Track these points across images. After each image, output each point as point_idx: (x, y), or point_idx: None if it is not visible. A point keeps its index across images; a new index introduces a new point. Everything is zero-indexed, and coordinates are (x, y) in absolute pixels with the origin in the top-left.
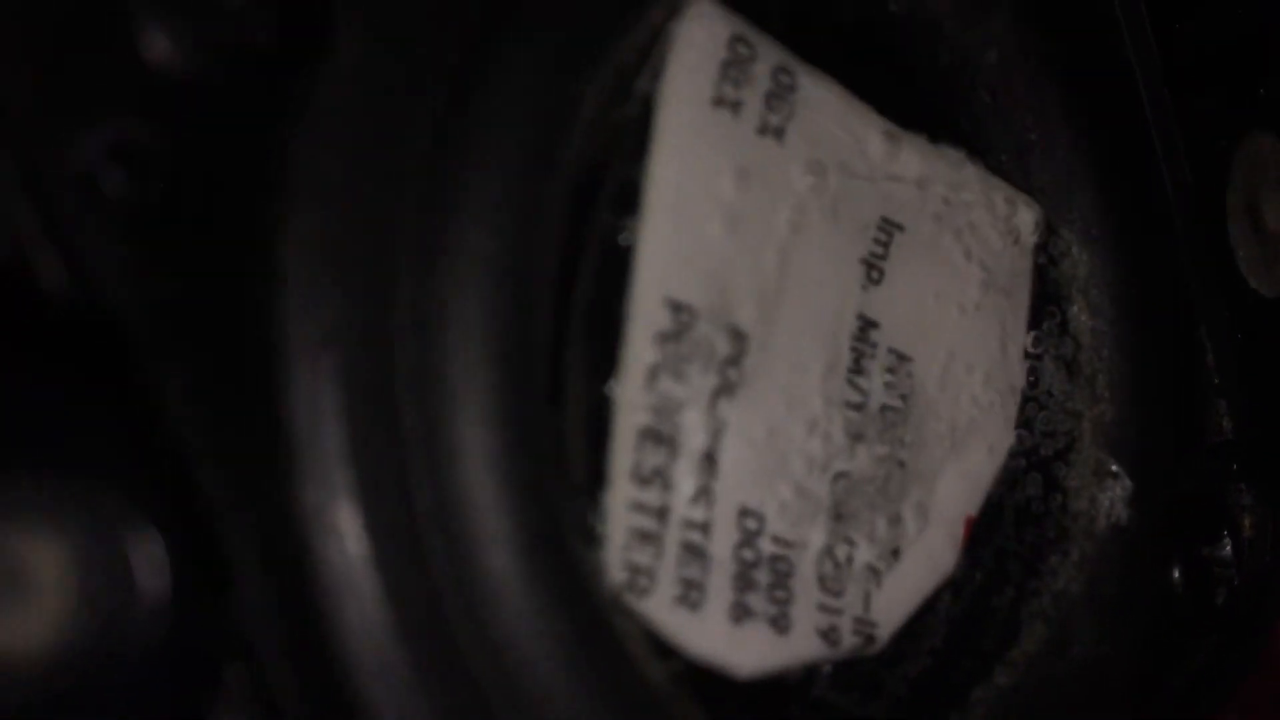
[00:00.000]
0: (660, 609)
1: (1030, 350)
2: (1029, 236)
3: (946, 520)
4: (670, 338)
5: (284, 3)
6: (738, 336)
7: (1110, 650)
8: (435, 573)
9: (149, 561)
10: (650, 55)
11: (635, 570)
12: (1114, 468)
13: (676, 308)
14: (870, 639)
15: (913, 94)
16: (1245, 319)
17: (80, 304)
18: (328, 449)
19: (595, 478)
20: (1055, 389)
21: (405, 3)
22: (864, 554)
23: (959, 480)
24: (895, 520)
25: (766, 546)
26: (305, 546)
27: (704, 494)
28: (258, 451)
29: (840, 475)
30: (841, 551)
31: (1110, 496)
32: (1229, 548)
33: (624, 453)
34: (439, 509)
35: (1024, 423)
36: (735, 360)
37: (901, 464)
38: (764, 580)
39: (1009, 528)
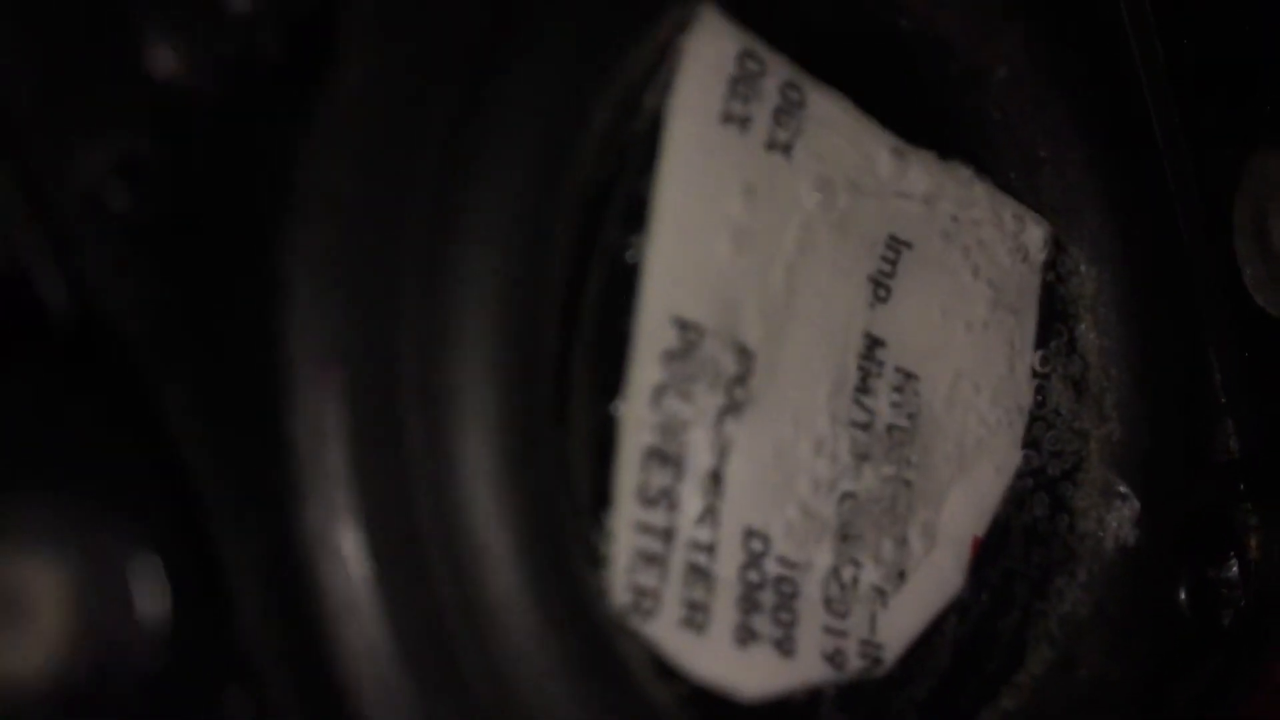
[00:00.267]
0: (665, 631)
1: (1038, 369)
2: (1037, 254)
3: (953, 541)
4: (677, 356)
5: (290, 15)
6: (744, 355)
7: (1116, 673)
8: (439, 594)
9: (149, 586)
10: (659, 70)
11: (640, 592)
12: (1122, 488)
13: (683, 326)
14: (876, 661)
15: (922, 110)
16: (1251, 337)
17: (83, 320)
18: (331, 469)
19: (600, 498)
20: (1063, 408)
21: (413, 16)
22: (870, 575)
23: (966, 501)
24: (901, 541)
25: (772, 568)
26: (307, 568)
27: (710, 515)
28: (260, 471)
29: (846, 496)
30: (847, 573)
31: (1118, 517)
32: (1235, 568)
33: (629, 472)
34: (443, 530)
35: (1031, 442)
36: (742, 379)
37: (908, 484)
38: (769, 602)
39: (1016, 549)
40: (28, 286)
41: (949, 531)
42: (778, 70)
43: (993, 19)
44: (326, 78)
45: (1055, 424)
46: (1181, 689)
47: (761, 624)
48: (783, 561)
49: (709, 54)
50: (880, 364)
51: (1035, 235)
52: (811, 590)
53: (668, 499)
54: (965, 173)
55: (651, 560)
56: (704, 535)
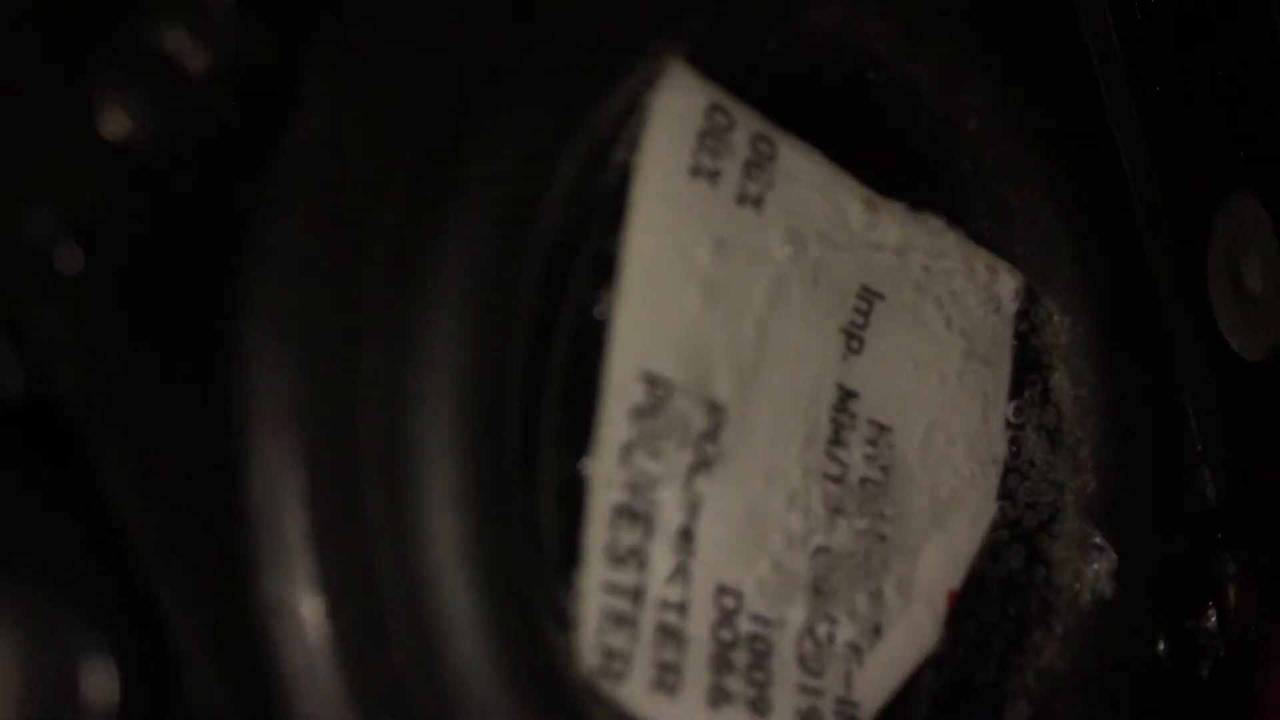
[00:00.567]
0: (636, 694)
1: (1012, 420)
2: (1010, 304)
3: (929, 595)
4: (646, 412)
5: (248, 73)
6: (715, 410)
7: None
8: (401, 662)
9: (97, 673)
10: (627, 124)
11: (610, 654)
12: (1098, 540)
13: (652, 381)
14: None
15: (892, 161)
16: (1227, 383)
17: (27, 389)
18: (288, 536)
19: (568, 558)
20: (1038, 459)
21: (375, 72)
22: (845, 631)
23: (941, 554)
24: (877, 596)
25: (745, 625)
26: (264, 639)
27: (681, 573)
28: (214, 540)
29: (820, 550)
30: (822, 629)
31: (1095, 569)
32: (1214, 619)
33: (598, 531)
34: (405, 596)
35: (1006, 494)
36: (712, 435)
37: (882, 538)
38: (742, 661)
39: (992, 602)
40: None
41: (925, 585)
42: (747, 123)
43: (962, 70)
44: (285, 135)
45: (1030, 475)
46: None
47: (735, 684)
48: (756, 619)
49: (677, 108)
50: (853, 416)
51: (1008, 285)
52: (785, 648)
53: (637, 558)
54: (937, 223)
55: (621, 621)
56: (675, 594)
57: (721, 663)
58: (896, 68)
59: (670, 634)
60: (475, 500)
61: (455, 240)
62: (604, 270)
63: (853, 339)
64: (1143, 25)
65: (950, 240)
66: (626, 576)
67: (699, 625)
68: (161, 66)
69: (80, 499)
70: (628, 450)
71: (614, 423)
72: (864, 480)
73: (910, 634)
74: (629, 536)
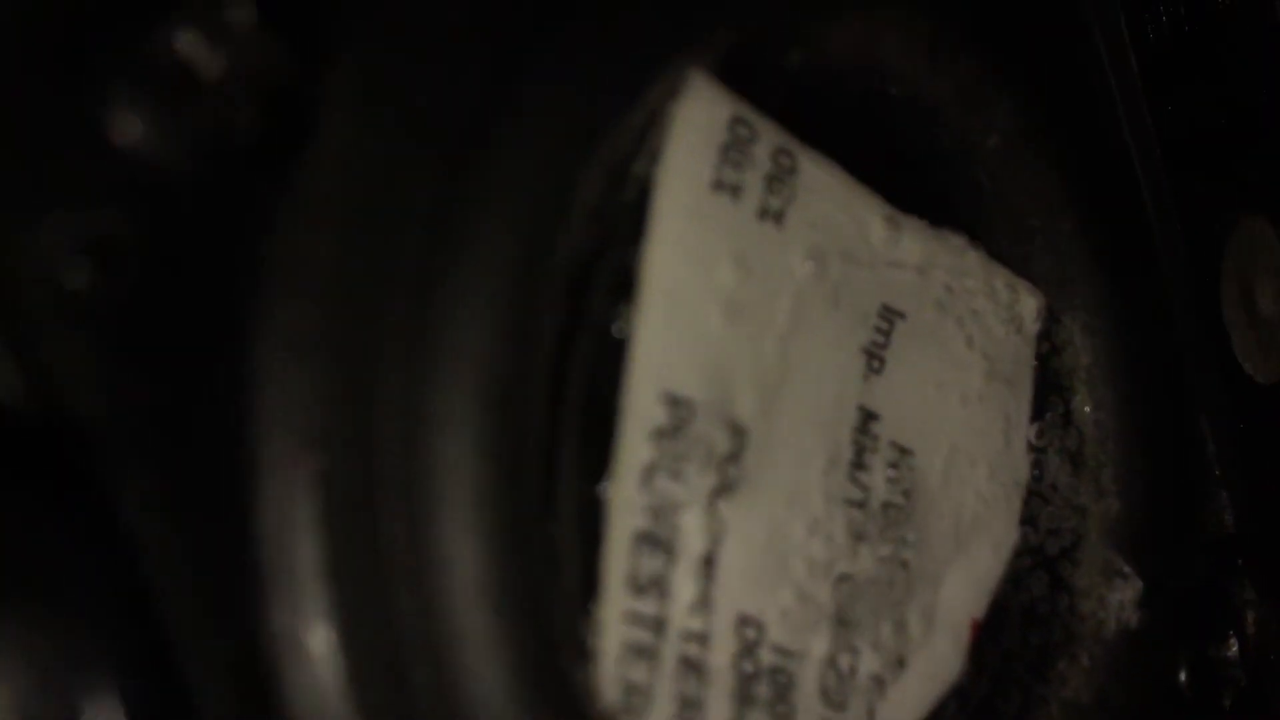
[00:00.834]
0: None
1: (1034, 442)
2: (1031, 324)
3: (952, 624)
4: (667, 434)
5: (267, 83)
6: (738, 432)
7: None
8: (417, 699)
9: (102, 711)
10: (648, 137)
11: (630, 689)
12: (1124, 568)
13: (674, 402)
14: None
15: (912, 178)
16: (1242, 407)
17: (37, 412)
18: (302, 566)
19: (587, 587)
20: (1060, 483)
21: (398, 83)
22: (868, 663)
23: (964, 581)
24: (900, 626)
25: (767, 657)
26: (276, 673)
27: (703, 602)
28: (225, 568)
29: (843, 578)
30: (844, 661)
31: (1120, 597)
32: (1235, 648)
33: (619, 559)
34: (422, 629)
35: (1028, 519)
36: (735, 457)
37: (905, 565)
38: (764, 695)
39: (1015, 631)
40: None
41: (948, 614)
42: (769, 136)
43: (984, 88)
44: (305, 148)
45: (1052, 499)
46: None
47: (757, 718)
48: (778, 650)
49: (700, 120)
50: (875, 438)
51: (1029, 305)
52: (808, 681)
53: (659, 586)
54: (958, 241)
55: (642, 653)
56: (697, 624)
57: (743, 697)
58: (918, 85)
59: (692, 666)
60: (495, 527)
61: (475, 258)
62: (623, 287)
63: (874, 359)
64: (1155, 46)
65: (972, 259)
66: (648, 606)
67: (720, 657)
68: (179, 76)
69: (87, 524)
70: (649, 473)
71: (635, 445)
72: (886, 505)
73: (933, 665)
74: (650, 564)
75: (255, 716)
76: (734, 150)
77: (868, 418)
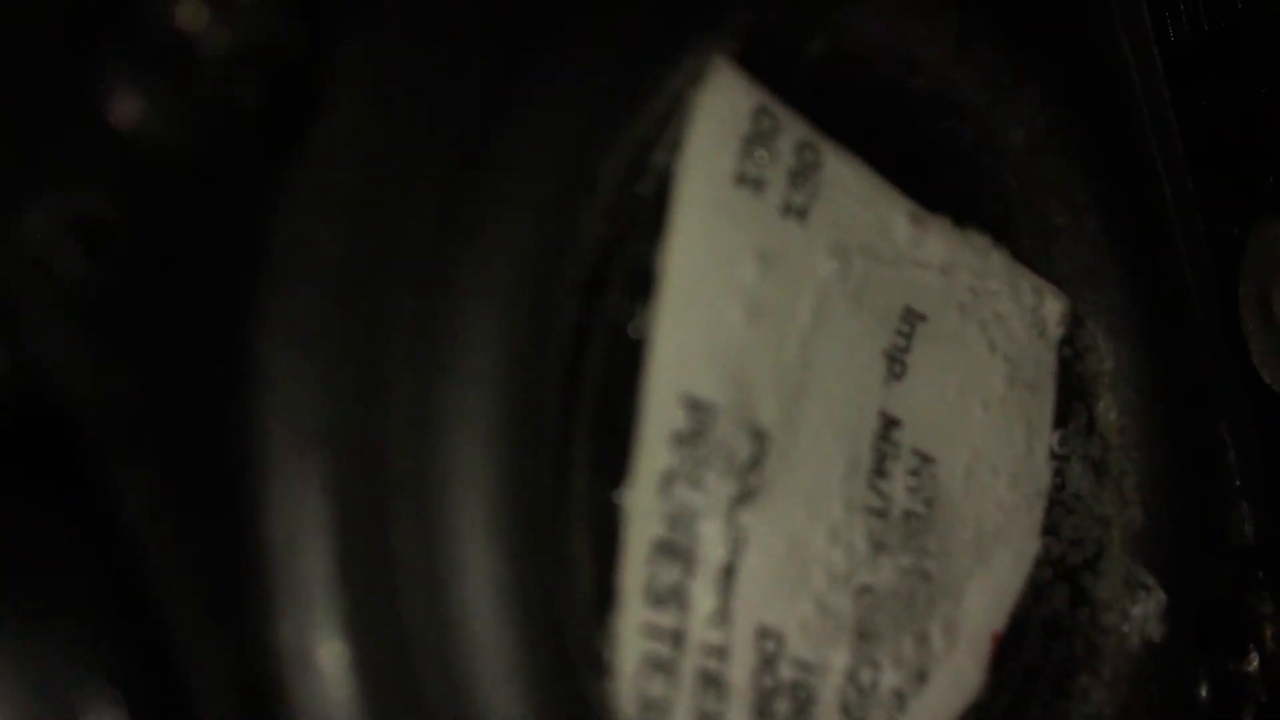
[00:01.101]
0: None
1: (1056, 450)
2: (1055, 329)
3: (973, 637)
4: (687, 439)
5: (272, 60)
6: (759, 437)
7: None
8: (428, 713)
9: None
10: (668, 126)
11: (648, 704)
12: (1147, 580)
13: (694, 405)
14: None
15: (935, 174)
16: (1261, 415)
17: (27, 404)
18: (309, 573)
19: (604, 597)
20: (1083, 492)
21: (409, 61)
22: (889, 677)
23: (985, 592)
24: (922, 638)
25: (786, 671)
26: (282, 684)
27: (722, 614)
28: (230, 576)
29: (864, 589)
30: (866, 675)
31: (1143, 610)
32: (1256, 662)
33: (636, 569)
34: (435, 641)
35: (1049, 528)
36: (756, 464)
37: (927, 576)
38: (784, 710)
39: (1035, 644)
40: None
41: (969, 627)
42: (793, 129)
43: (1009, 81)
44: (311, 129)
45: (1075, 509)
46: None
47: None
48: (798, 664)
49: (723, 109)
50: (896, 445)
51: (1053, 309)
52: (828, 695)
53: (678, 598)
54: (982, 241)
55: (660, 667)
56: (715, 637)
57: (763, 712)
58: (942, 76)
59: (711, 681)
60: (510, 533)
61: (489, 249)
62: (642, 284)
63: (895, 363)
64: (1175, 47)
65: (996, 260)
66: (666, 618)
67: (740, 671)
68: (179, 47)
69: (86, 525)
70: (668, 480)
71: (653, 450)
72: (907, 514)
73: (954, 679)
74: (669, 574)
75: None
76: (757, 143)
77: (889, 424)
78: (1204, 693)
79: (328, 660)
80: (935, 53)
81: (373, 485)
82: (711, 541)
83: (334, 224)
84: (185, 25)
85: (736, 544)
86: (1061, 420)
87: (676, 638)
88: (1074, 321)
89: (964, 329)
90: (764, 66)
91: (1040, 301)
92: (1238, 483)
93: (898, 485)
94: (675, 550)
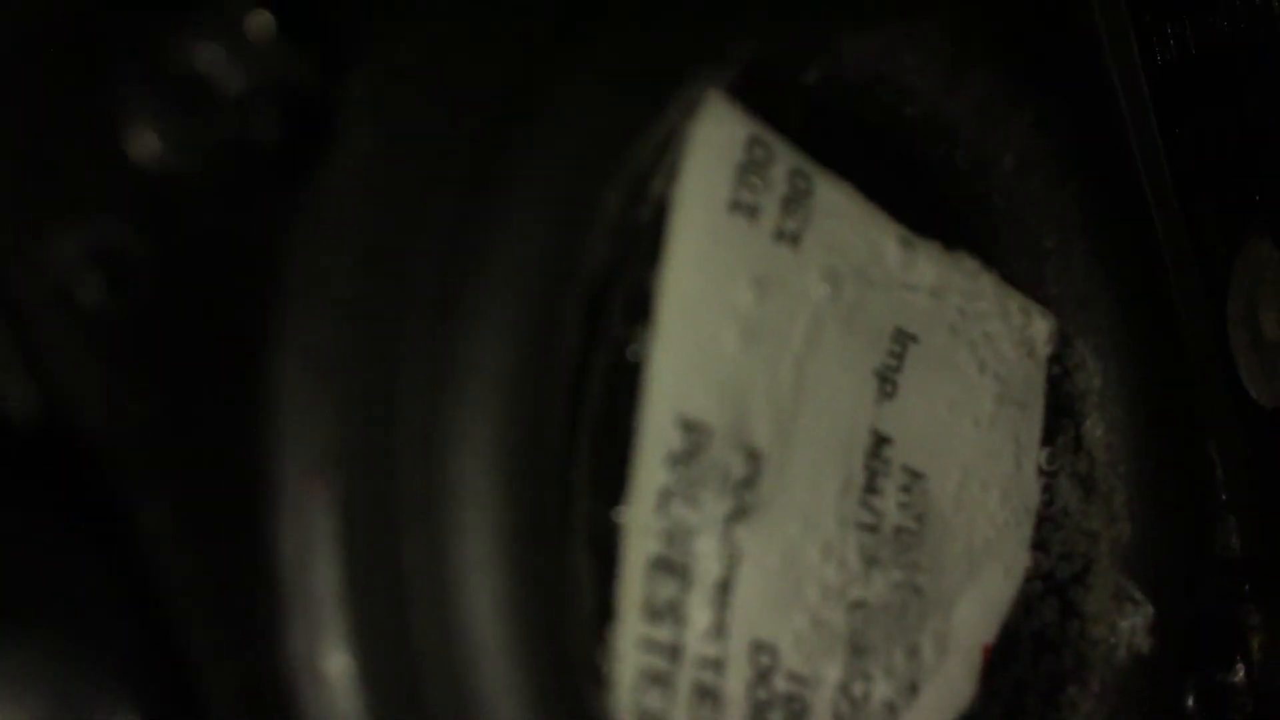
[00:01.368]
0: None
1: (1045, 466)
2: (1043, 348)
3: (964, 650)
4: (683, 459)
5: (287, 95)
6: (753, 457)
7: None
8: None
9: None
10: (666, 156)
11: (646, 716)
12: (1135, 594)
13: (689, 426)
14: None
15: (927, 198)
16: (1248, 431)
17: (48, 429)
18: (319, 588)
19: (602, 612)
20: (1071, 507)
21: (419, 96)
22: (881, 689)
23: (976, 606)
24: (913, 651)
25: (780, 684)
26: (293, 697)
27: (718, 628)
28: (243, 591)
29: (857, 604)
30: (858, 687)
31: (1130, 623)
32: (1242, 673)
33: (634, 585)
34: (440, 653)
35: (1039, 544)
36: (750, 482)
37: (918, 590)
38: None
39: (1026, 657)
40: None
41: (960, 640)
42: (786, 158)
43: (999, 108)
44: (324, 161)
45: (1064, 524)
46: None
47: None
48: (792, 677)
49: (717, 139)
50: (888, 463)
51: (1041, 328)
52: (821, 708)
53: (674, 613)
54: (972, 264)
55: (657, 680)
56: (711, 650)
57: None
58: (934, 104)
59: (706, 694)
60: (513, 550)
61: (495, 274)
62: (639, 308)
63: (886, 382)
64: (1162, 70)
65: (985, 282)
66: (663, 632)
67: (735, 684)
68: (196, 87)
69: (107, 547)
70: (665, 498)
71: (650, 470)
72: (899, 529)
73: (946, 691)
74: (666, 590)
75: None
76: (751, 171)
77: (880, 441)
78: (1191, 703)
79: (336, 672)
80: (927, 81)
81: (381, 504)
82: (707, 558)
83: (345, 253)
84: (204, 64)
85: (732, 560)
86: (1050, 437)
87: (673, 651)
88: (1062, 340)
89: (954, 349)
90: (759, 95)
91: (1029, 321)
92: (1224, 497)
93: (889, 502)
94: (672, 566)
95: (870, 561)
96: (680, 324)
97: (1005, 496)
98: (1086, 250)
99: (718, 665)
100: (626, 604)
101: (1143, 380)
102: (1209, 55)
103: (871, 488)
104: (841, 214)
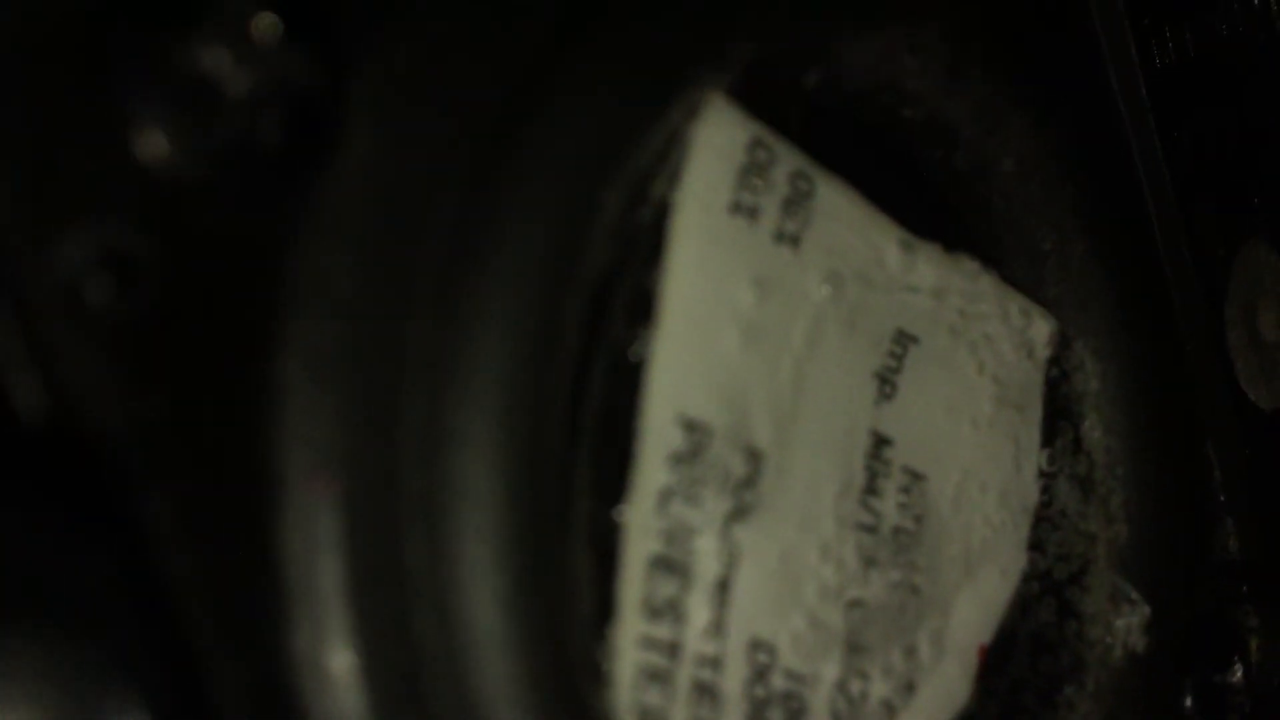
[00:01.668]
0: None
1: (1044, 468)
2: (1042, 350)
3: (961, 649)
4: (684, 459)
5: (292, 98)
6: (753, 457)
7: None
8: None
9: None
10: (667, 158)
11: (645, 713)
12: (1132, 594)
13: (690, 426)
14: None
15: (927, 201)
16: (1246, 433)
17: (58, 429)
18: (323, 587)
19: (603, 610)
20: (1069, 509)
21: (422, 100)
22: (878, 688)
23: (973, 606)
24: (911, 651)
25: (778, 682)
26: (297, 697)
27: (716, 626)
28: (248, 590)
29: (854, 603)
30: (855, 686)
31: (1127, 624)
32: (1239, 673)
33: (634, 583)
34: (442, 651)
35: (1036, 544)
36: (750, 482)
37: (916, 590)
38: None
39: (1023, 657)
40: None
41: (957, 640)
42: (787, 159)
43: (999, 111)
44: (329, 163)
45: (1061, 525)
46: None
47: None
48: (789, 675)
49: (719, 142)
50: (887, 464)
51: (1041, 330)
52: (819, 706)
53: (674, 611)
54: (972, 265)
55: (656, 677)
56: (710, 649)
57: None
58: (934, 107)
59: (705, 691)
60: (514, 549)
61: (498, 275)
62: (641, 309)
63: (886, 384)
64: (1161, 72)
65: (985, 283)
66: (663, 630)
67: (733, 682)
68: (202, 89)
69: (115, 546)
70: (665, 498)
71: (651, 469)
72: (897, 530)
73: (943, 691)
74: (666, 588)
75: None
76: (752, 173)
77: (880, 443)
78: (1188, 704)
79: (340, 669)
80: (928, 83)
81: (384, 503)
82: (707, 557)
83: (349, 254)
84: (209, 66)
85: (731, 559)
86: (1049, 439)
87: (672, 649)
88: (1061, 342)
89: (954, 350)
90: (760, 97)
91: (1028, 323)
92: (1222, 499)
93: (888, 502)
94: (672, 565)
95: (868, 562)
96: (681, 325)
97: (1004, 498)
98: (1086, 252)
99: (716, 663)
100: (626, 602)
101: (1141, 382)
102: (1208, 58)
103: (871, 489)
104: (842, 216)
